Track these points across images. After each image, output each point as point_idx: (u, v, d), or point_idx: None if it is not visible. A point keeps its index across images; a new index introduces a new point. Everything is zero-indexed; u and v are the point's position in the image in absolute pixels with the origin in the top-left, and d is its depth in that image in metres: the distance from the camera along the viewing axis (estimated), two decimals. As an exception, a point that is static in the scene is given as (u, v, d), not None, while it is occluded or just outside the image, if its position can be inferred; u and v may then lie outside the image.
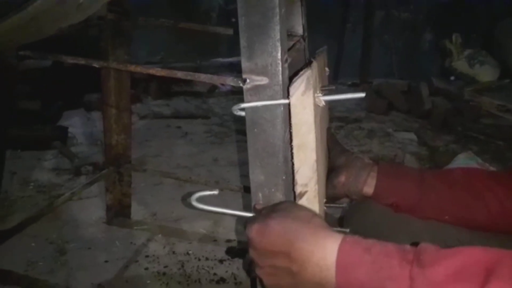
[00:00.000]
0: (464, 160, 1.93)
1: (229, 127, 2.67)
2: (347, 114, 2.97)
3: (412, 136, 2.57)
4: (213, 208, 0.62)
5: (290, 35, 0.87)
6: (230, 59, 3.15)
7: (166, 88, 3.37)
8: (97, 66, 0.67)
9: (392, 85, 3.24)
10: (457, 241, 0.77)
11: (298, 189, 0.62)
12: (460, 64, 3.69)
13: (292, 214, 0.54)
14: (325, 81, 0.86)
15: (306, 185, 0.62)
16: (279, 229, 0.53)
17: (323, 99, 0.64)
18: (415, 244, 0.49)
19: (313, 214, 0.56)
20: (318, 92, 0.66)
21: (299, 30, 0.90)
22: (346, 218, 0.90)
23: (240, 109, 0.60)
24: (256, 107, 0.60)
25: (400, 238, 0.82)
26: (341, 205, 0.89)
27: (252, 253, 0.56)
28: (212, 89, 3.47)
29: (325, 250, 0.50)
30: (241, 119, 0.62)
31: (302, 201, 0.63)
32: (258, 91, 0.59)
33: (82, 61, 0.65)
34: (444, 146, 2.45)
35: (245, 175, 0.60)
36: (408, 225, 0.82)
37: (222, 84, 3.39)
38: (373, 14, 3.85)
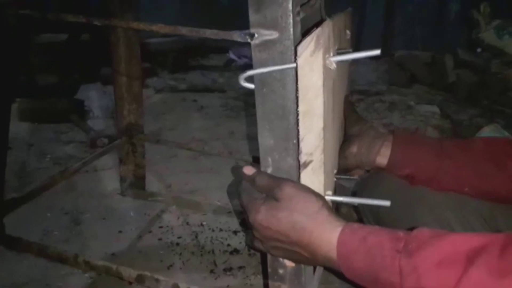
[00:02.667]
0: (489, 133, 1.84)
1: (245, 101, 2.62)
2: (368, 87, 2.88)
3: (435, 109, 2.48)
4: None
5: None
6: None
7: (183, 62, 3.33)
8: (99, 24, 0.63)
9: (415, 57, 3.11)
10: (478, 214, 0.73)
11: (303, 158, 0.58)
12: (488, 35, 3.51)
13: (299, 206, 0.55)
14: (345, 44, 0.80)
15: (311, 154, 0.58)
16: (286, 224, 0.54)
17: (333, 59, 0.59)
18: (412, 228, 0.50)
19: (320, 204, 0.55)
20: (331, 54, 0.60)
21: (315, -13, 0.84)
22: (358, 192, 0.86)
23: (246, 79, 0.55)
24: (266, 64, 0.55)
25: (417, 212, 0.77)
26: (353, 178, 0.85)
27: (256, 235, 0.59)
28: (229, 63, 3.41)
29: (330, 244, 0.52)
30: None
31: (307, 171, 0.59)
32: (267, 47, 0.55)
33: (83, 19, 0.61)
34: (468, 120, 2.35)
35: (256, 149, 0.58)
36: (425, 198, 0.76)
37: (239, 57, 3.32)
38: (396, -17, 3.69)
